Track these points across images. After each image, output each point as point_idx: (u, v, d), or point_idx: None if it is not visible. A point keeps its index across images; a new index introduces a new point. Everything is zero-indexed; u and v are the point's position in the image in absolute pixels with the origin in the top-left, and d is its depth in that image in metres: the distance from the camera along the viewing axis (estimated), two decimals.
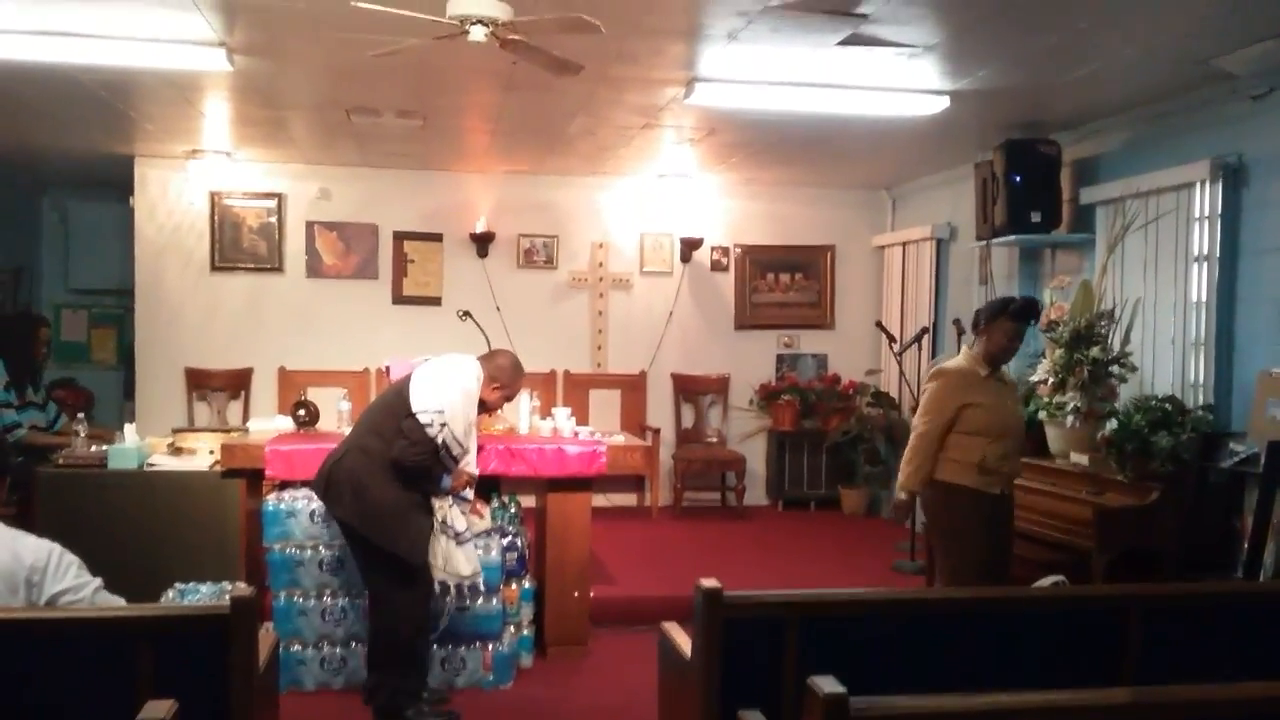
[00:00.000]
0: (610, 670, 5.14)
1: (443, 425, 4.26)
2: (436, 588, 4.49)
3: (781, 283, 9.26)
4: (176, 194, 8.35)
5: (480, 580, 4.65)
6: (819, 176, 8.70)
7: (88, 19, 4.74)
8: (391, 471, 4.26)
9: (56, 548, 2.77)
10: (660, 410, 8.94)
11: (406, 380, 4.43)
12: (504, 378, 4.54)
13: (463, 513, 4.60)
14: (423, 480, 4.36)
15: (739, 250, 9.16)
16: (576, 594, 5.27)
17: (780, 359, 9.23)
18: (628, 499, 8.78)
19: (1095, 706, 2.17)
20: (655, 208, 8.89)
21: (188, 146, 7.81)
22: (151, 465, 5.41)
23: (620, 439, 6.00)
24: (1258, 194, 5.18)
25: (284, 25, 4.78)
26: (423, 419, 4.24)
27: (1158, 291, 5.73)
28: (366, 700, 4.47)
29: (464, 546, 4.53)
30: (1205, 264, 5.44)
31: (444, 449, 4.30)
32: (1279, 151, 5.05)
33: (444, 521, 4.47)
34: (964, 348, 4.85)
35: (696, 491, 8.77)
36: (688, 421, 9.03)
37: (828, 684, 1.97)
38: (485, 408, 4.63)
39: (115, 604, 2.83)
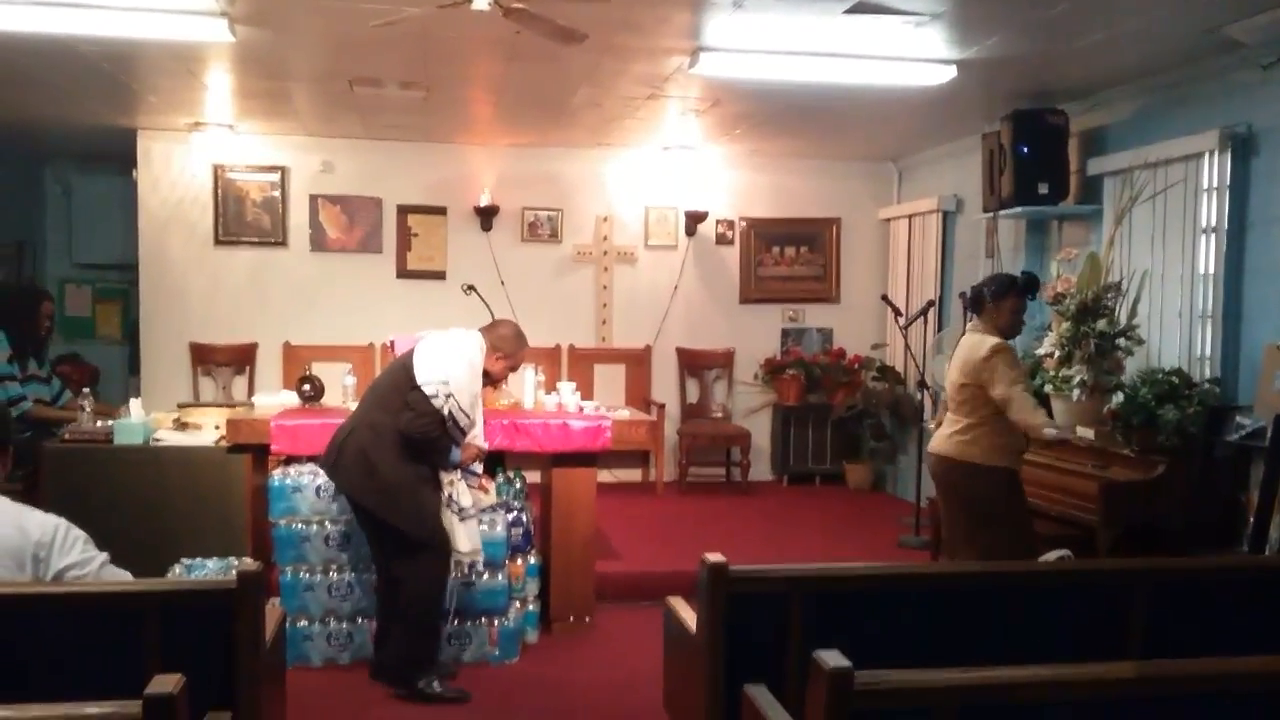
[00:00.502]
0: (615, 645, 5.15)
1: (448, 396, 4.27)
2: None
3: (787, 256, 9.22)
4: (180, 167, 8.33)
5: (480, 559, 4.65)
6: (824, 148, 8.64)
7: None
8: (400, 446, 4.26)
9: (63, 523, 2.77)
10: (665, 385, 8.93)
11: (410, 354, 4.43)
12: (507, 347, 4.54)
13: (470, 488, 4.61)
14: (430, 453, 4.36)
15: (744, 223, 9.12)
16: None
17: (785, 333, 9.21)
18: (633, 474, 8.78)
19: (1100, 680, 2.17)
20: (660, 180, 8.84)
21: (190, 119, 7.77)
22: (157, 440, 5.42)
23: (625, 414, 6.00)
24: (1267, 164, 5.13)
25: None
26: (427, 390, 4.25)
27: (1165, 263, 5.70)
28: (375, 674, 4.48)
29: (466, 523, 4.54)
30: (1213, 235, 5.40)
31: (450, 420, 4.30)
32: None
33: (450, 498, 4.47)
34: (971, 325, 4.81)
35: (701, 467, 8.77)
36: (693, 396, 9.02)
37: (833, 658, 1.96)
38: (490, 379, 4.63)
39: (122, 578, 2.83)
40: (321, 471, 4.87)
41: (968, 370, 4.65)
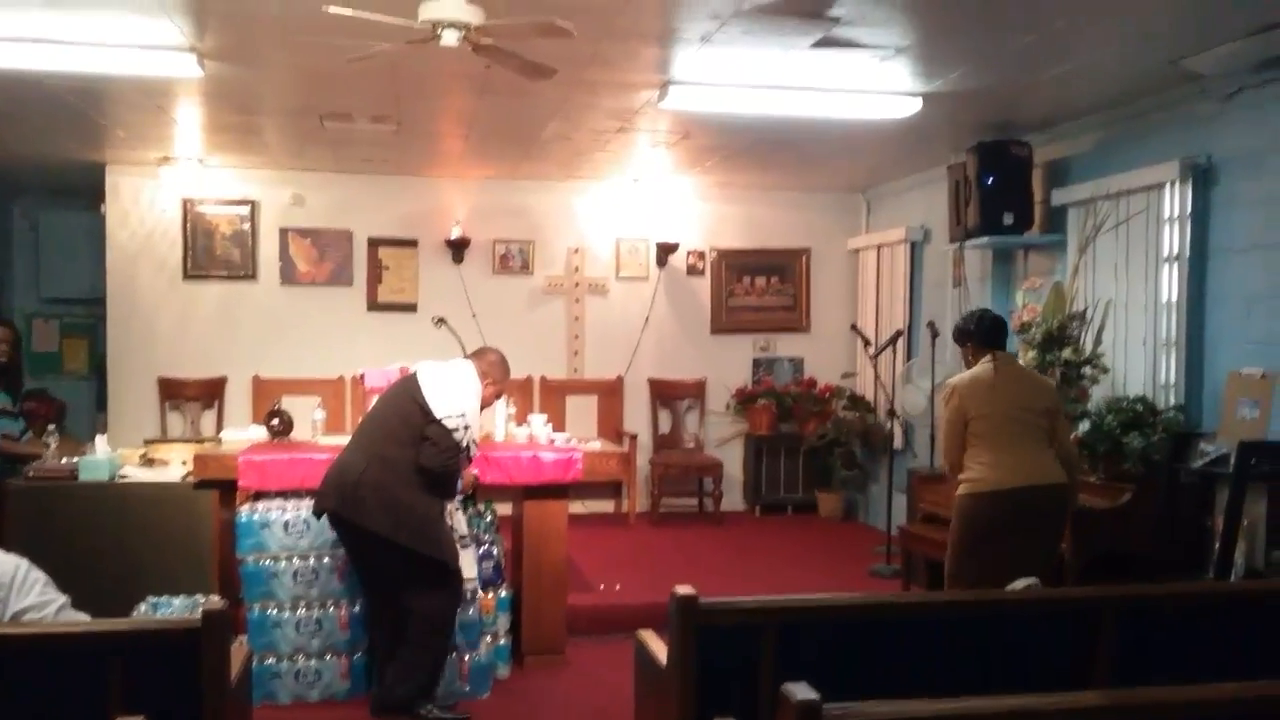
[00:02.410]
0: (587, 679, 5.12)
1: (465, 428, 4.33)
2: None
3: (757, 286, 9.27)
4: (149, 201, 8.30)
5: (477, 585, 4.69)
6: (794, 179, 8.72)
7: (56, 25, 4.69)
8: (416, 479, 4.26)
9: (24, 563, 2.74)
10: (637, 415, 8.93)
11: (407, 388, 4.43)
12: (496, 373, 4.61)
13: (466, 518, 4.65)
14: (448, 484, 4.39)
15: (714, 254, 9.17)
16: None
17: (757, 363, 9.24)
18: (605, 505, 8.76)
19: (1068, 710, 2.17)
20: (631, 212, 8.89)
21: (159, 153, 7.75)
22: (123, 477, 5.36)
23: (597, 445, 5.99)
24: (1226, 193, 5.22)
25: (255, 30, 4.75)
26: (449, 424, 4.27)
27: (1129, 292, 5.77)
28: (377, 709, 4.44)
29: (465, 551, 4.57)
30: (1175, 264, 5.48)
31: (465, 451, 4.37)
32: (1248, 151, 5.09)
33: (450, 526, 4.49)
34: (1002, 357, 4.76)
35: (674, 497, 8.75)
36: (665, 427, 9.03)
37: (801, 690, 1.96)
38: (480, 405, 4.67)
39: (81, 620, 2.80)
40: (288, 507, 4.85)
41: (1053, 397, 4.68)
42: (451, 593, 4.42)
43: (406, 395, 4.42)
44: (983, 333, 4.75)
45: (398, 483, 4.24)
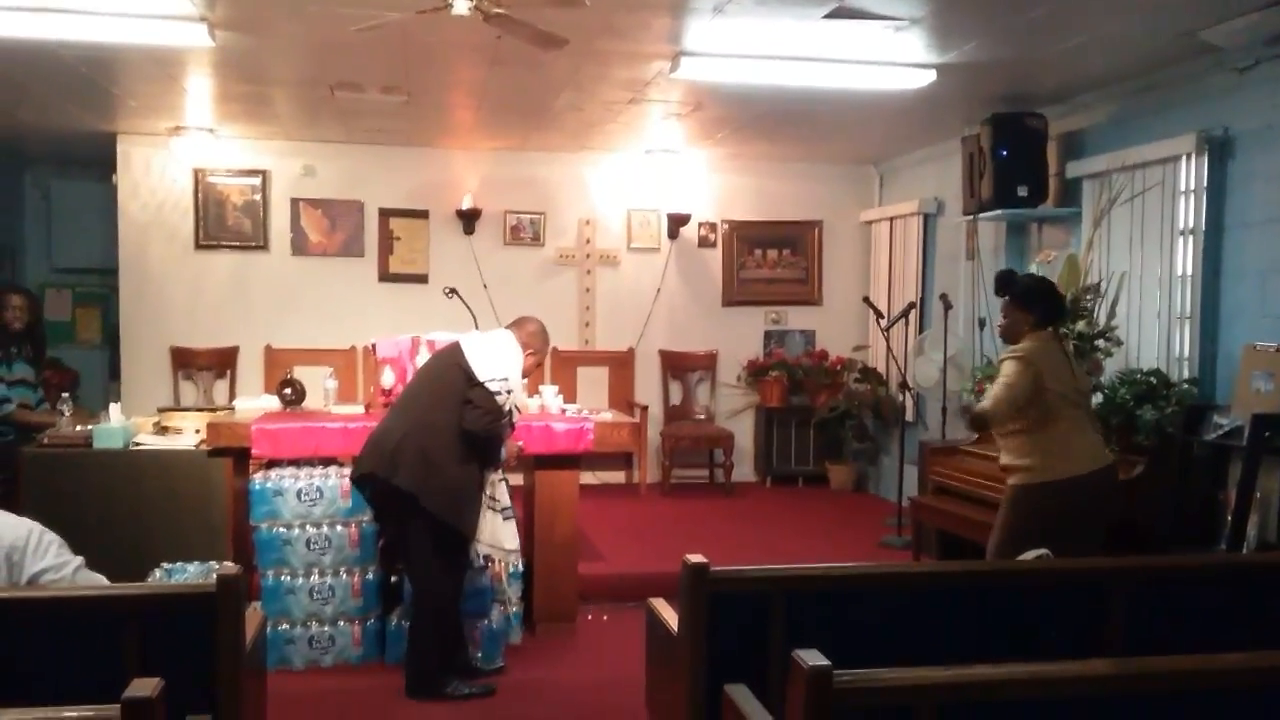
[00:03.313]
0: (599, 646, 5.16)
1: (509, 392, 4.34)
2: (480, 561, 4.54)
3: (769, 258, 9.25)
4: (160, 171, 8.30)
5: (519, 555, 4.72)
6: (806, 151, 8.68)
7: None
8: (460, 446, 4.27)
9: (36, 526, 2.76)
10: (648, 387, 8.94)
11: (452, 355, 4.44)
12: (536, 343, 4.61)
13: (507, 487, 4.68)
14: (491, 450, 4.40)
15: (726, 226, 9.14)
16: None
17: (768, 335, 9.23)
18: (616, 476, 8.79)
19: (1078, 678, 2.19)
20: (642, 184, 8.86)
21: (171, 123, 7.74)
22: (137, 445, 5.39)
23: (608, 416, 6.01)
24: (1243, 167, 5.18)
25: (266, 0, 4.73)
26: (492, 386, 4.28)
27: (1144, 265, 5.74)
28: (411, 684, 4.45)
29: (509, 522, 4.60)
30: (1191, 237, 5.45)
31: (508, 416, 4.39)
32: (1264, 124, 5.04)
33: (492, 496, 4.51)
34: (1050, 331, 4.49)
35: (685, 468, 8.78)
36: (676, 398, 9.03)
37: (812, 657, 1.98)
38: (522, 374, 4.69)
39: (97, 582, 2.83)
40: (301, 475, 4.89)
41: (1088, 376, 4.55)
42: (461, 565, 4.43)
43: (450, 361, 4.43)
44: (1056, 306, 4.46)
45: (437, 448, 4.24)
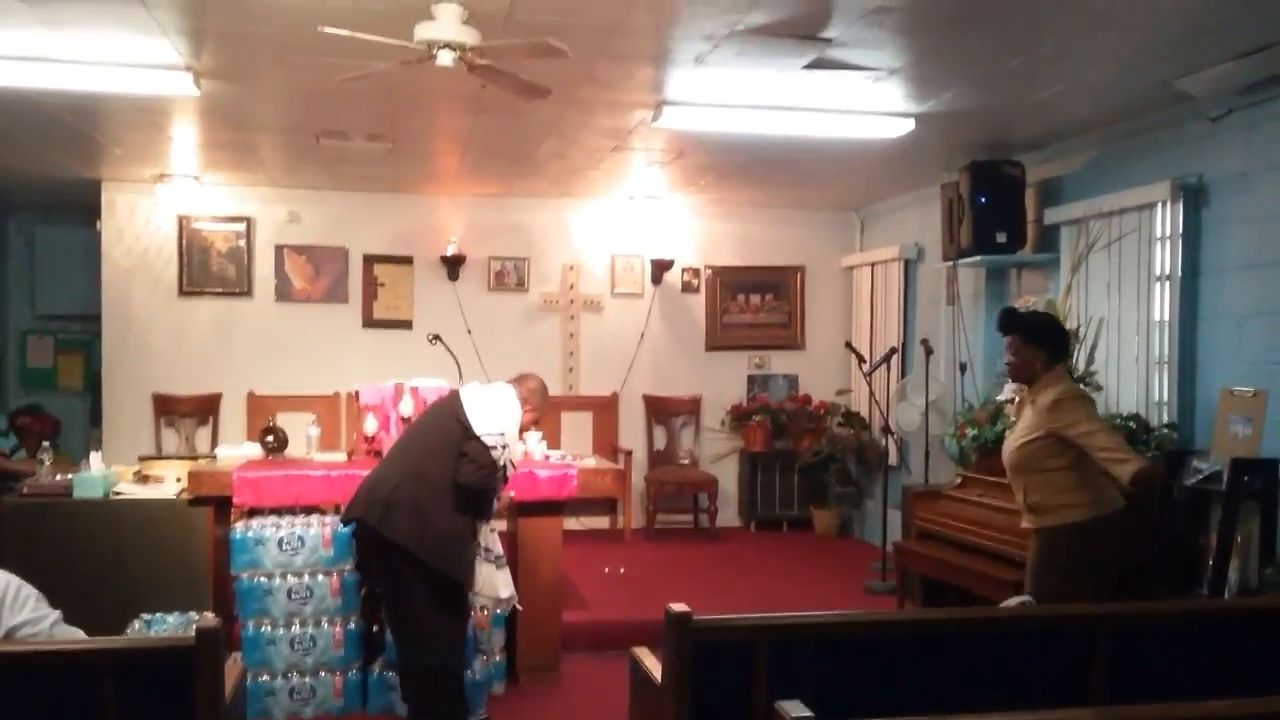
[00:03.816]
0: (582, 696, 5.11)
1: (504, 447, 4.32)
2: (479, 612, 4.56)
3: (752, 303, 9.30)
4: (144, 218, 8.31)
5: (516, 602, 4.71)
6: (788, 198, 8.76)
7: (54, 43, 4.72)
8: (452, 496, 4.23)
9: (14, 579, 2.74)
10: (632, 432, 8.94)
11: (450, 405, 4.43)
12: (535, 400, 4.59)
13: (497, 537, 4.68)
14: (485, 502, 4.38)
15: (709, 271, 9.20)
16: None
17: (751, 379, 9.26)
18: (600, 522, 8.76)
19: None
20: (626, 230, 8.92)
21: (155, 170, 7.77)
22: (118, 494, 5.36)
23: (591, 462, 6.01)
24: (1217, 213, 5.26)
25: (251, 50, 4.78)
26: (488, 441, 4.25)
27: (1121, 311, 5.79)
28: None
29: (502, 571, 4.60)
30: (1167, 283, 5.51)
31: (502, 470, 4.38)
32: (1238, 171, 5.12)
33: (485, 547, 4.50)
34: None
35: (669, 513, 8.76)
36: (660, 443, 9.03)
37: (794, 709, 1.97)
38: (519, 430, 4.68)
39: (74, 637, 2.80)
40: (282, 524, 4.86)
41: None
42: (462, 617, 4.39)
43: (447, 412, 4.41)
44: (1064, 341, 4.42)
45: (430, 498, 4.20)
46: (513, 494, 4.90)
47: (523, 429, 4.65)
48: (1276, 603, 3.85)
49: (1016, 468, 4.24)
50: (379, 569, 4.41)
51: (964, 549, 5.68)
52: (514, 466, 4.54)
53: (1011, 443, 4.29)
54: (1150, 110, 5.53)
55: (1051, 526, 4.14)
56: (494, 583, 4.52)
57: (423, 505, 4.18)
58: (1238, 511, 4.48)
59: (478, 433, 4.26)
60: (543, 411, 4.71)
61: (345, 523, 4.49)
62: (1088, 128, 6.01)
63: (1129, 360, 5.75)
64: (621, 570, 6.08)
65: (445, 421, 4.37)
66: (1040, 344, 4.21)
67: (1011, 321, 4.34)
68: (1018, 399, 4.45)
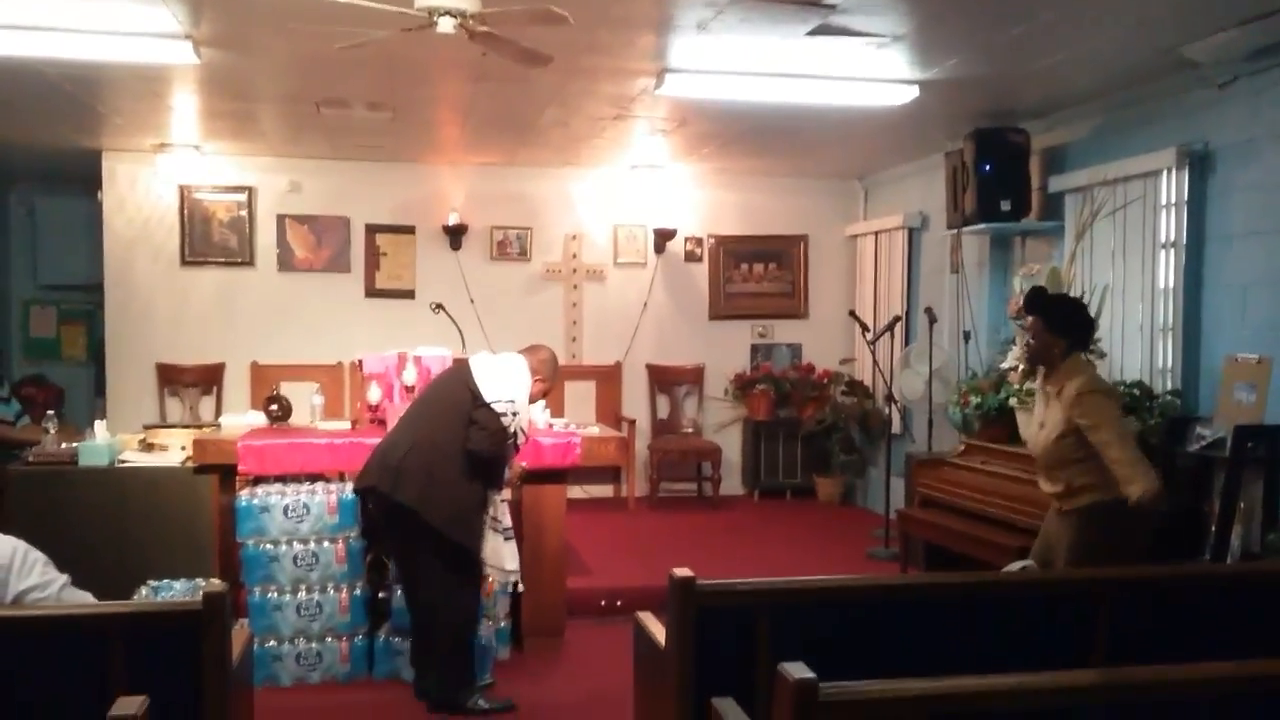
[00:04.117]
0: (587, 661, 5.15)
1: (514, 414, 4.35)
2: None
3: (755, 273, 9.28)
4: (145, 188, 8.29)
5: (520, 576, 4.71)
6: (791, 166, 8.72)
7: (52, 12, 4.69)
8: (463, 465, 4.27)
9: (21, 544, 2.76)
10: (636, 401, 8.95)
11: (460, 374, 4.45)
12: (545, 371, 4.60)
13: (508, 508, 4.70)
14: (495, 471, 4.41)
15: (712, 241, 9.18)
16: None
17: (755, 349, 9.26)
18: (604, 490, 8.79)
19: (1064, 688, 2.20)
20: (628, 199, 8.89)
21: (156, 140, 7.74)
22: (123, 462, 5.38)
23: (595, 430, 6.02)
24: (1223, 181, 5.23)
25: (251, 18, 4.75)
26: (498, 408, 4.29)
27: (1126, 278, 5.78)
28: (421, 696, 4.47)
29: (510, 543, 4.61)
30: (1172, 250, 5.49)
31: (513, 438, 4.40)
32: (1243, 139, 5.10)
33: (494, 517, 4.51)
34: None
35: (672, 482, 8.79)
36: (663, 412, 9.05)
37: (797, 670, 1.98)
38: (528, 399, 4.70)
39: (83, 600, 2.82)
40: (287, 491, 4.88)
41: None
42: (475, 582, 4.44)
43: (457, 380, 4.44)
44: (1088, 329, 4.35)
45: (441, 465, 4.24)
46: (524, 465, 4.89)
47: (532, 399, 4.66)
48: (1278, 568, 3.86)
49: (1053, 464, 4.16)
50: (392, 536, 4.46)
51: (967, 515, 5.70)
52: (525, 435, 4.56)
53: (1041, 436, 4.19)
54: (1155, 77, 5.49)
55: (1084, 506, 4.09)
56: (500, 554, 4.55)
57: (433, 472, 4.21)
58: (1241, 478, 4.49)
59: (487, 400, 4.28)
60: (552, 383, 4.72)
61: (357, 491, 4.50)
62: (1092, 95, 5.97)
63: (1133, 328, 5.74)
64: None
65: (455, 389, 4.39)
66: (1062, 333, 4.13)
67: (1037, 304, 4.27)
68: (1036, 381, 4.33)
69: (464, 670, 4.43)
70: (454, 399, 4.37)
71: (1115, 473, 3.92)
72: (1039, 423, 4.22)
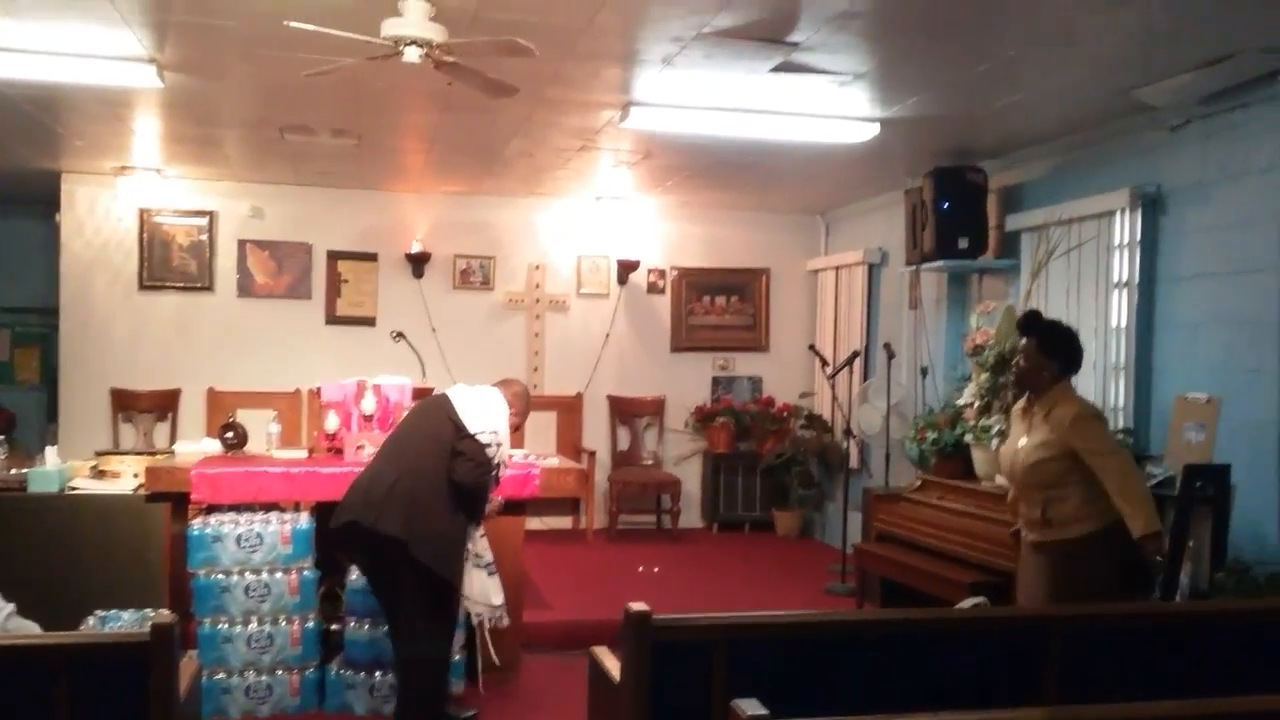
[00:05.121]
0: (542, 696, 5.11)
1: (498, 445, 4.35)
2: (472, 620, 4.57)
3: (717, 305, 9.33)
4: (105, 211, 8.22)
5: (505, 611, 4.71)
6: (754, 200, 8.80)
7: (14, 33, 4.65)
8: (447, 496, 4.23)
9: None
10: (596, 432, 8.94)
11: (440, 406, 4.42)
12: (519, 404, 4.62)
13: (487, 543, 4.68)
14: (478, 502, 4.39)
15: (675, 273, 9.22)
16: None
17: (716, 381, 9.29)
18: (563, 521, 8.75)
19: None
20: (592, 230, 8.93)
21: (117, 163, 7.68)
22: (74, 489, 5.29)
23: (555, 461, 6.00)
24: (1175, 222, 5.34)
25: (216, 43, 4.74)
26: (483, 439, 4.28)
27: (1080, 317, 5.86)
28: None
29: (493, 578, 4.61)
30: (1125, 290, 5.59)
31: (496, 469, 4.40)
32: (1195, 181, 5.21)
33: (475, 553, 4.50)
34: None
35: (632, 514, 8.77)
36: (624, 444, 9.04)
37: (750, 706, 1.99)
38: None
39: (28, 629, 2.77)
40: (241, 521, 4.82)
41: None
42: (452, 617, 4.41)
43: (438, 412, 4.40)
44: (1077, 356, 4.31)
45: (427, 497, 4.20)
46: (502, 500, 4.81)
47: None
48: (1227, 607, 3.91)
49: (1032, 484, 4.14)
50: (374, 568, 4.38)
51: (922, 551, 5.74)
52: (506, 466, 4.58)
53: (1022, 457, 4.17)
54: (1110, 119, 5.61)
55: (1071, 538, 4.07)
56: (486, 590, 4.56)
57: (419, 504, 4.18)
58: (1190, 516, 4.54)
59: (472, 431, 4.28)
60: (525, 417, 4.74)
61: (335, 526, 4.40)
62: (1049, 136, 6.08)
63: (1087, 365, 5.73)
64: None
65: (437, 421, 4.37)
66: (1053, 355, 4.17)
67: (1033, 325, 4.31)
68: (1019, 408, 4.34)
69: (439, 703, 4.37)
70: (436, 431, 4.34)
71: (1118, 504, 3.94)
72: (1016, 446, 4.23)
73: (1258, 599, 4.16)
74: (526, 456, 5.66)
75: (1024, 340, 4.28)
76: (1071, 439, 4.04)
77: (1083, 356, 4.34)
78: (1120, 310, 5.62)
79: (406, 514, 4.14)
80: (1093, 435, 4.05)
